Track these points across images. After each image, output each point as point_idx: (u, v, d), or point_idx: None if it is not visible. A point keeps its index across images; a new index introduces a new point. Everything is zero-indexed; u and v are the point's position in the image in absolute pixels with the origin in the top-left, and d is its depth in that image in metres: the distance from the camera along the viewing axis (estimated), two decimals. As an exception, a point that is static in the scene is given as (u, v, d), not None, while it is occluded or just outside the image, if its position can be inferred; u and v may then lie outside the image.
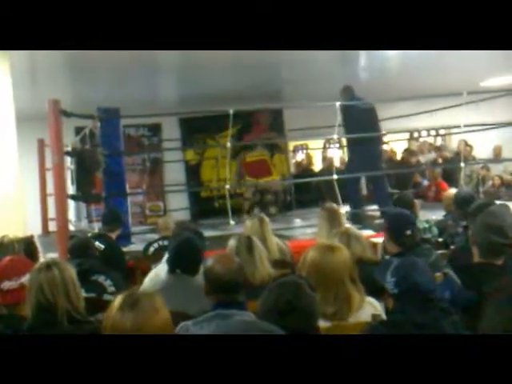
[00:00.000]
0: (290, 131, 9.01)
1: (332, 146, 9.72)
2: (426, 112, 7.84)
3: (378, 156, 6.65)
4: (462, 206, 4.14)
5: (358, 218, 6.02)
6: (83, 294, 2.48)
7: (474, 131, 7.06)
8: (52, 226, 6.75)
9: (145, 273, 3.50)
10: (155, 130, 9.45)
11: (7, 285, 2.37)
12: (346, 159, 7.27)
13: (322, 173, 8.67)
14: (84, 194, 6.33)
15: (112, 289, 3.12)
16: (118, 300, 1.69)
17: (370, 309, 2.37)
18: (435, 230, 4.20)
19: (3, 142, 4.89)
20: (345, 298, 2.34)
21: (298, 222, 7.18)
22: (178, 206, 8.88)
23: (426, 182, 8.71)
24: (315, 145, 10.21)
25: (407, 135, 9.32)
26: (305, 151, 10.42)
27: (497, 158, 9.53)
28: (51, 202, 6.39)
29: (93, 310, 2.54)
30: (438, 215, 5.09)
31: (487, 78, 8.66)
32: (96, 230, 5.65)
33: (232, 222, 5.75)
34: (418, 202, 4.91)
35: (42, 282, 2.20)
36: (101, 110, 5.86)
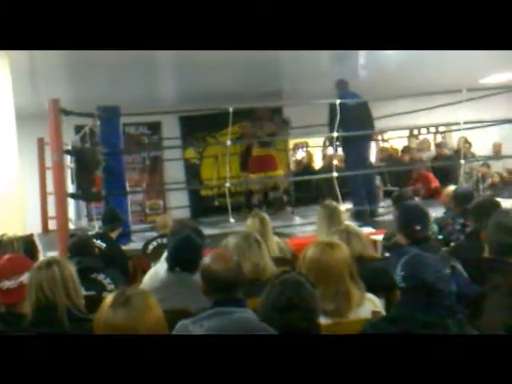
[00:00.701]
0: (289, 129, 9.00)
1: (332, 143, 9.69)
2: (425, 109, 7.82)
3: (368, 152, 6.75)
4: (462, 203, 4.14)
5: (362, 215, 6.01)
6: (83, 292, 2.48)
7: (473, 128, 7.04)
8: (52, 225, 6.76)
9: (145, 271, 3.51)
10: (155, 128, 9.44)
11: (6, 284, 2.36)
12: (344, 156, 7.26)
13: (322, 171, 8.67)
14: (84, 193, 6.31)
15: (111, 287, 3.13)
16: (109, 297, 1.69)
17: (369, 305, 2.38)
18: (435, 227, 4.20)
19: (3, 141, 4.89)
20: (344, 294, 2.34)
21: (297, 219, 7.18)
22: (178, 204, 8.89)
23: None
24: (315, 143, 10.20)
25: (407, 133, 9.31)
26: (305, 149, 10.41)
27: (496, 155, 9.52)
28: (51, 200, 6.42)
29: (92, 308, 2.53)
30: (436, 212, 5.08)
31: (487, 75, 8.64)
32: (96, 229, 5.66)
33: (232, 220, 5.76)
34: (418, 199, 4.91)
35: (41, 279, 2.20)
36: (101, 109, 5.86)
